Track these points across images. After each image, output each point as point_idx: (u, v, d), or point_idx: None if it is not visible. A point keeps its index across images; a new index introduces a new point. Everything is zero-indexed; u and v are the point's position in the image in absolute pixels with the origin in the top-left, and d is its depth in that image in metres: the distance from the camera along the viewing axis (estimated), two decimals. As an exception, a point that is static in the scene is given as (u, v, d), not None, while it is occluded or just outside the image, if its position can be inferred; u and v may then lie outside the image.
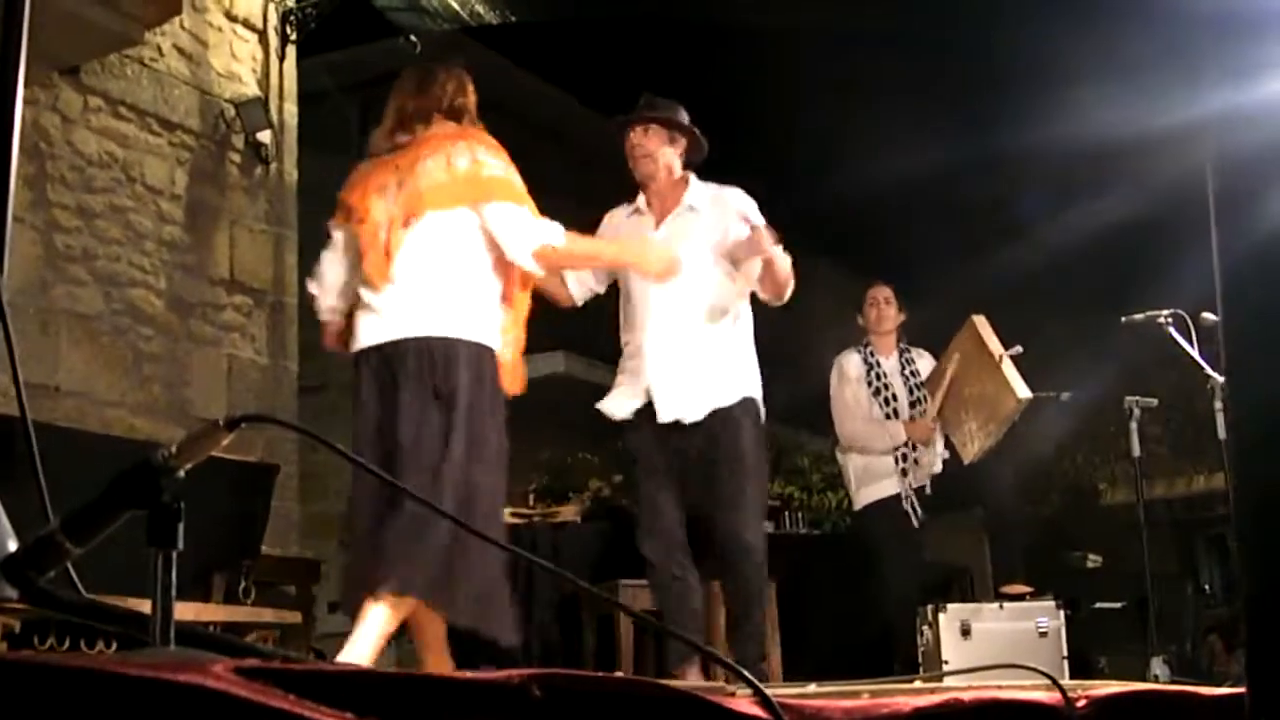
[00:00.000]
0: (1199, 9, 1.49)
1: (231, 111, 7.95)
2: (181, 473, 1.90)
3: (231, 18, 8.10)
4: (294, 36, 8.41)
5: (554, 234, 4.32)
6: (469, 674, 1.58)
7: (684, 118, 5.15)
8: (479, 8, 8.41)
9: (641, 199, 5.18)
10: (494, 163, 4.27)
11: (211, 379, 7.68)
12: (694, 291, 4.96)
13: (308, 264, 9.00)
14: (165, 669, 1.22)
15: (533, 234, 4.26)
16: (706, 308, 4.98)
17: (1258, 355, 1.48)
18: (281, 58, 8.37)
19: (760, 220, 5.03)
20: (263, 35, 8.29)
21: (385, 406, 4.20)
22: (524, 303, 4.49)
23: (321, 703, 1.39)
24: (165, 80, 7.62)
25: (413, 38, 8.81)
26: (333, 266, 4.48)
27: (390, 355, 4.20)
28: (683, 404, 4.95)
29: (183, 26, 7.71)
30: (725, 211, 5.06)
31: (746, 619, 4.96)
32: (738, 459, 4.93)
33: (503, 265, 4.34)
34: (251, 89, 8.13)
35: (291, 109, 8.46)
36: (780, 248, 4.90)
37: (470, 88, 4.47)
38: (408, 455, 4.12)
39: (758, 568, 4.94)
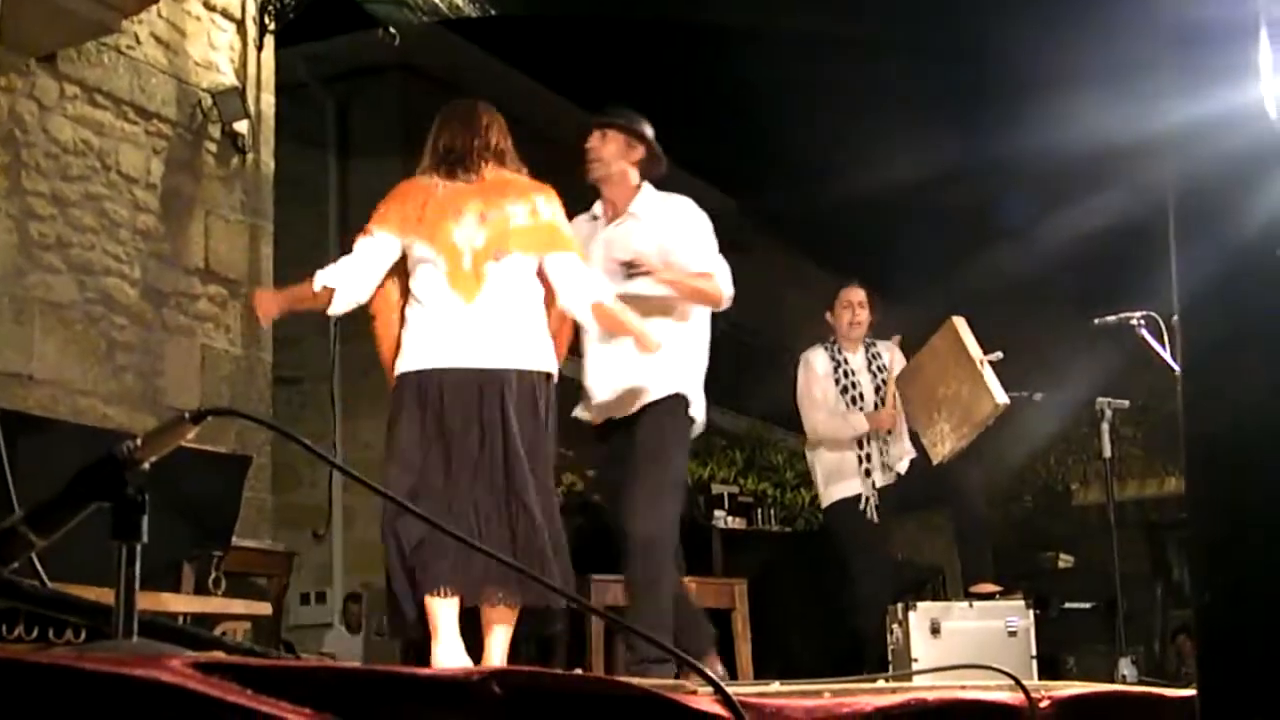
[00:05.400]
0: (1157, 21, 1.50)
1: (208, 101, 7.92)
2: (146, 465, 1.91)
3: (210, 7, 8.06)
4: (272, 27, 8.38)
5: (606, 291, 4.72)
6: (429, 670, 1.58)
7: (644, 129, 5.21)
8: (458, 1, 8.39)
9: (599, 204, 5.28)
10: (563, 218, 4.71)
11: (185, 369, 7.65)
12: (632, 295, 5.02)
13: (284, 255, 9.04)
14: (122, 663, 1.22)
15: (592, 289, 4.68)
16: (643, 310, 5.01)
17: (1213, 370, 1.50)
18: (259, 48, 8.34)
19: (695, 232, 5.12)
20: (241, 25, 8.26)
21: (482, 425, 4.44)
22: (565, 336, 4.86)
23: (281, 698, 1.40)
24: (142, 69, 7.59)
25: (391, 30, 8.79)
26: (370, 260, 4.68)
27: (492, 381, 4.47)
28: (614, 404, 5.07)
29: (160, 15, 7.67)
30: (667, 219, 5.14)
31: (635, 613, 4.89)
32: (642, 447, 5.02)
33: (550, 303, 4.72)
34: (229, 79, 8.10)
35: (269, 99, 8.43)
36: (693, 268, 5.03)
37: (505, 129, 4.80)
38: (471, 476, 4.40)
39: (644, 558, 4.90)
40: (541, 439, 4.50)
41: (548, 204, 4.65)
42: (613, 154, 5.17)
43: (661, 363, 5.00)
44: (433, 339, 4.54)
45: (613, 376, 5.09)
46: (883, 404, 6.55)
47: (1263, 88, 1.52)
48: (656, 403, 5.05)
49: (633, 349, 4.97)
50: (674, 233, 5.11)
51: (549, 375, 4.60)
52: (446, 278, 4.53)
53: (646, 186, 5.24)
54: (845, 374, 6.59)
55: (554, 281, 4.65)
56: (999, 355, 6.05)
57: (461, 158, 4.65)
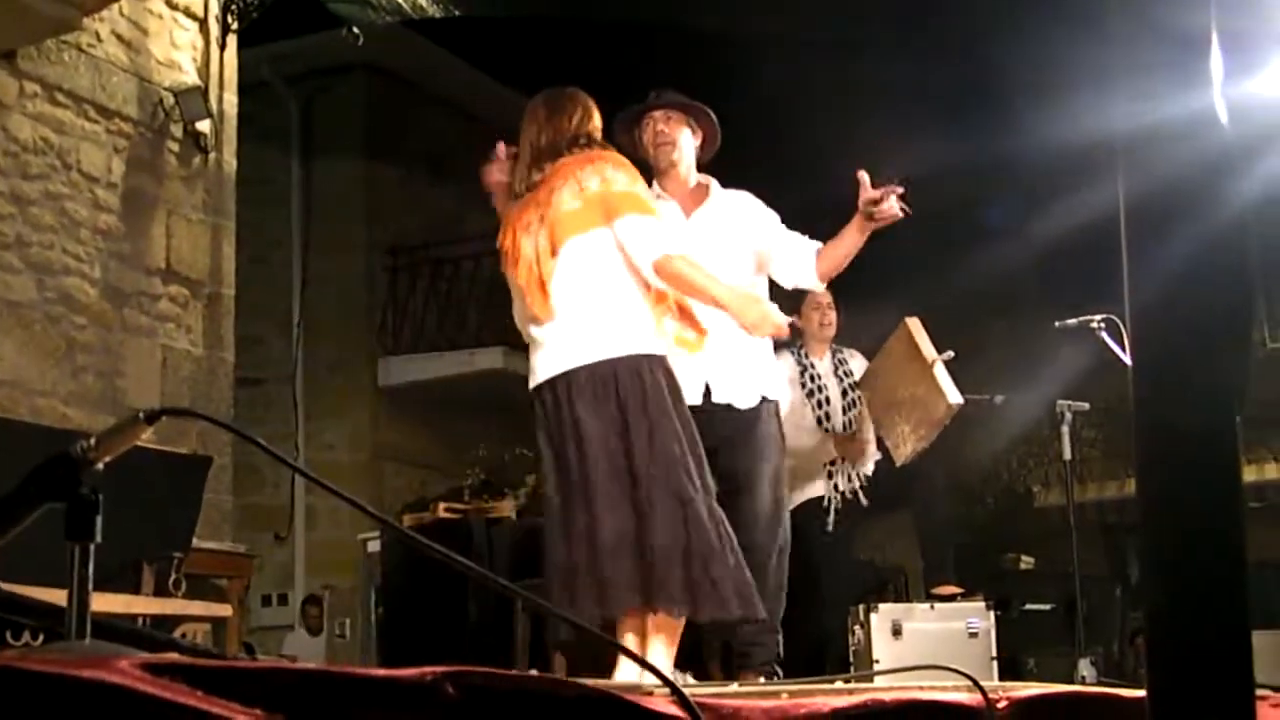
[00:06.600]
0: (1111, 28, 1.52)
1: (170, 100, 7.89)
2: (100, 465, 1.90)
3: (172, 5, 8.03)
4: (235, 26, 8.36)
5: (672, 243, 4.33)
6: (383, 671, 1.58)
7: (708, 110, 5.13)
8: (422, 1, 8.38)
9: (656, 186, 5.07)
10: (621, 178, 4.30)
11: (146, 370, 7.62)
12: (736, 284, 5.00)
13: (246, 254, 9.01)
14: (70, 665, 1.21)
15: (654, 244, 4.27)
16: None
17: (1165, 373, 1.51)
18: (222, 47, 8.31)
19: (777, 221, 5.14)
20: (203, 24, 8.23)
21: (564, 436, 4.23)
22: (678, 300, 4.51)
23: (232, 699, 1.39)
24: (103, 67, 7.55)
25: (355, 30, 8.77)
26: (517, 313, 4.50)
27: (562, 386, 4.23)
28: (736, 389, 4.99)
29: (122, 13, 7.64)
30: (749, 211, 5.10)
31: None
32: (774, 440, 5.08)
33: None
34: (191, 78, 8.07)
35: (231, 99, 8.40)
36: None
37: (595, 112, 4.48)
38: (599, 477, 4.16)
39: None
40: (617, 432, 4.15)
41: (594, 173, 4.27)
42: (679, 136, 5.06)
43: (768, 362, 5.11)
44: (534, 357, 4.34)
45: (732, 361, 4.95)
46: (850, 408, 6.55)
47: (1214, 95, 1.53)
48: (769, 403, 5.08)
49: (742, 337, 4.91)
50: (763, 219, 5.09)
51: (632, 357, 4.21)
52: (525, 293, 4.29)
53: (713, 182, 5.16)
54: (811, 379, 6.59)
55: (625, 250, 4.25)
56: (950, 355, 6.04)
57: (534, 160, 4.39)
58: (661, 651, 4.04)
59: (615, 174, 4.29)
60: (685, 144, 5.08)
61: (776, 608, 5.09)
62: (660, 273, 4.27)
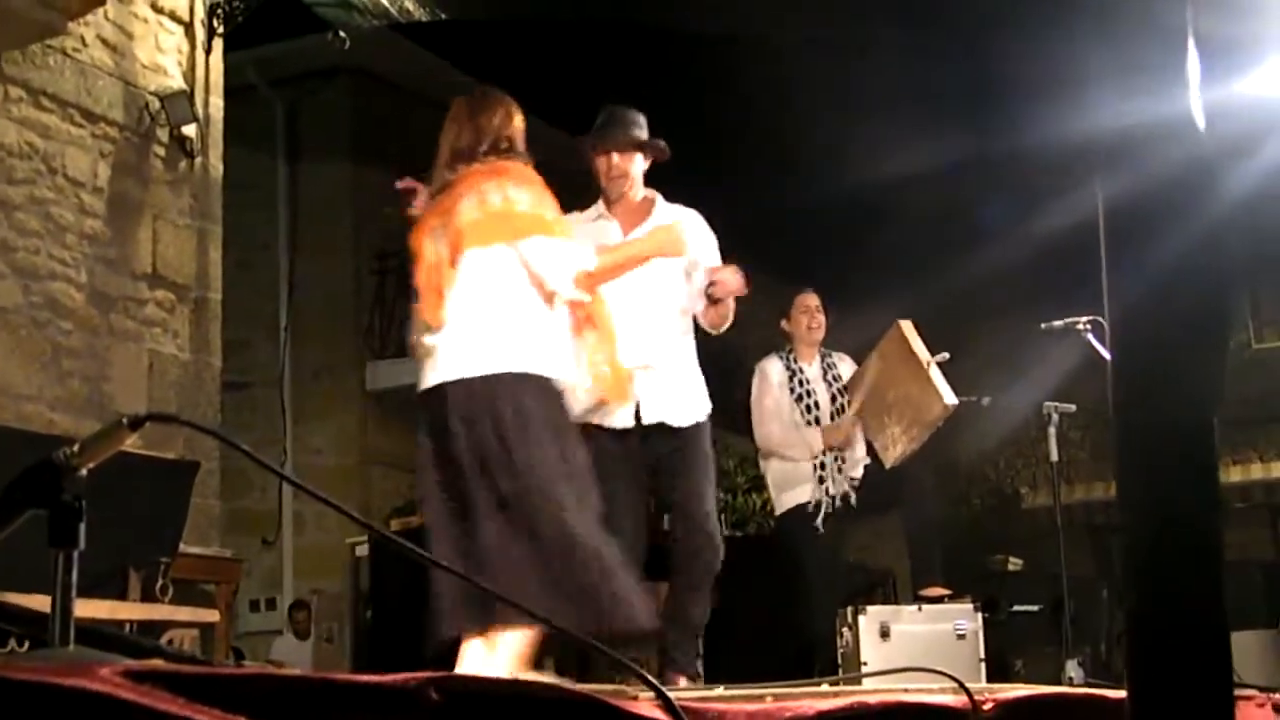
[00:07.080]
0: (1088, 30, 1.52)
1: (156, 104, 7.87)
2: (84, 472, 1.90)
3: (157, 9, 8.01)
4: (220, 30, 8.34)
5: (584, 258, 4.37)
6: (366, 677, 1.58)
7: (660, 143, 5.24)
8: (408, 4, 8.37)
9: (601, 205, 5.24)
10: (523, 197, 4.28)
11: (132, 375, 7.60)
12: (668, 303, 5.08)
13: (233, 259, 8.99)
14: (50, 672, 1.21)
15: (566, 264, 4.29)
16: (679, 321, 5.13)
17: (1144, 375, 1.52)
18: (208, 51, 8.29)
19: (715, 248, 5.22)
20: (189, 28, 8.21)
21: (442, 447, 4.22)
22: (605, 318, 4.52)
23: (215, 705, 1.39)
24: (89, 71, 7.53)
25: (341, 33, 8.77)
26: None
27: (441, 397, 4.21)
28: (668, 408, 5.07)
29: (107, 17, 7.62)
30: (687, 230, 5.14)
31: (696, 613, 5.14)
32: (707, 460, 5.19)
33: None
34: (177, 82, 8.05)
35: (217, 103, 8.39)
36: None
37: (517, 115, 4.47)
38: (474, 489, 4.13)
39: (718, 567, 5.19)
40: (504, 447, 4.10)
41: (496, 189, 4.25)
42: (632, 166, 5.17)
43: (698, 378, 5.19)
44: (423, 363, 4.30)
45: (664, 380, 5.06)
46: (840, 413, 6.55)
47: (1191, 99, 1.54)
48: (702, 421, 5.16)
49: (675, 355, 5.07)
50: (702, 249, 5.15)
51: (513, 375, 4.15)
52: (420, 296, 4.29)
53: (659, 198, 5.25)
54: (800, 383, 6.59)
55: (532, 270, 4.23)
56: (945, 356, 6.07)
57: (451, 159, 4.38)
58: (512, 658, 4.00)
59: (518, 192, 4.28)
60: (636, 173, 5.22)
61: (704, 613, 5.25)
62: (584, 285, 4.32)
